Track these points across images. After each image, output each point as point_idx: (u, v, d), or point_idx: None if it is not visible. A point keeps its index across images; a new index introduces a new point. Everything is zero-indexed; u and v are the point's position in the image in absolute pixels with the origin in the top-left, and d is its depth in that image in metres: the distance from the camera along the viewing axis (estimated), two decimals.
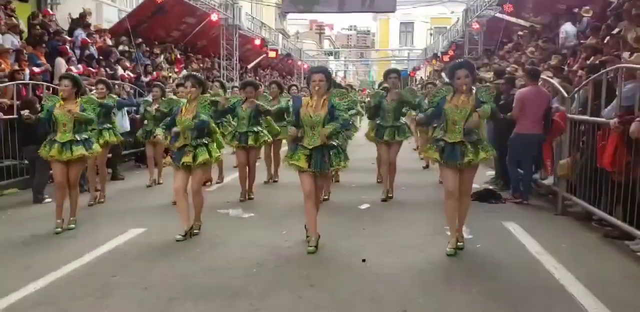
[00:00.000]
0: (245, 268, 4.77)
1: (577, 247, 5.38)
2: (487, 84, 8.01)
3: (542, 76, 7.77)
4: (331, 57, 54.29)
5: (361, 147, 10.74)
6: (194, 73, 6.00)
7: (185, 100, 5.89)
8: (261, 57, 28.27)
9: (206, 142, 5.76)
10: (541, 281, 4.46)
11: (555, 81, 7.48)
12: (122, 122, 8.75)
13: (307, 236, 5.39)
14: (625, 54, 7.05)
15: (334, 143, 5.29)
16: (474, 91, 5.10)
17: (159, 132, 5.85)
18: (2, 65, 9.37)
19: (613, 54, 8.60)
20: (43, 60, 10.94)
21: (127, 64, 14.39)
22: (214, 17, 19.31)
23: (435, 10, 44.73)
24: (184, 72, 18.09)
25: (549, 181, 7.31)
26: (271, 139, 8.07)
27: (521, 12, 18.38)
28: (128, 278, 4.56)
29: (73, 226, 6.20)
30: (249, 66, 27.19)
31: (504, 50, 18.32)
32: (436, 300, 4.06)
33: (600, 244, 5.52)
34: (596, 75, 6.10)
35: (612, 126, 5.21)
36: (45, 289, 4.33)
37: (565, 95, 6.84)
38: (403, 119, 7.88)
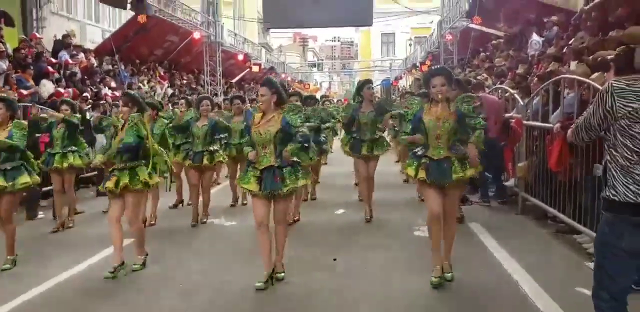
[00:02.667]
0: (226, 267, 5.35)
1: (529, 242, 5.92)
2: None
3: (502, 86, 8.32)
4: (315, 69, 55.05)
5: (338, 161, 10.65)
6: (130, 91, 5.58)
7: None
8: (245, 71, 28.80)
9: (134, 165, 5.21)
10: (490, 269, 5.02)
11: (512, 91, 8.04)
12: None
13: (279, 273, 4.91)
14: (572, 64, 7.61)
15: (295, 159, 4.80)
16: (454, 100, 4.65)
17: (99, 158, 5.39)
18: None
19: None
20: (32, 82, 11.34)
21: (112, 83, 14.83)
22: (196, 35, 19.67)
23: (415, 20, 45.61)
24: (169, 89, 18.61)
25: (511, 182, 7.83)
26: (227, 159, 7.68)
27: (494, 23, 19.03)
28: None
29: (9, 266, 5.45)
30: (233, 81, 27.71)
31: (478, 59, 18.97)
32: (398, 287, 4.66)
33: (551, 238, 6.06)
34: (544, 85, 6.66)
35: (555, 131, 5.75)
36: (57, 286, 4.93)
37: (521, 103, 7.39)
38: (384, 132, 7.52)
